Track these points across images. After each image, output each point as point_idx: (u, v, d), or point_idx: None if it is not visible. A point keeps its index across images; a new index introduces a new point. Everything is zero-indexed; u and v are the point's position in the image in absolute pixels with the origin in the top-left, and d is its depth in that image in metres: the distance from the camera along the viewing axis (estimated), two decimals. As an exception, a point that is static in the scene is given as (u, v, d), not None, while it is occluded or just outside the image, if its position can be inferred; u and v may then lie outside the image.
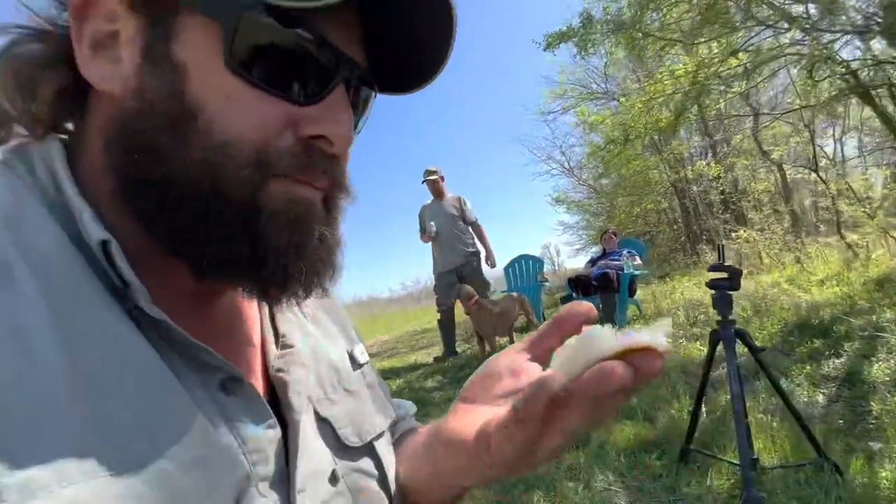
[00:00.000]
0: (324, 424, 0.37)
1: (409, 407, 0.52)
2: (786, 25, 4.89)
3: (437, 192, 4.56)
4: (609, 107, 10.86)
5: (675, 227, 12.56)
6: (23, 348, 0.22)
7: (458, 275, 4.50)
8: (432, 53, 0.34)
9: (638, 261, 5.33)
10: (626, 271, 4.93)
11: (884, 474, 1.58)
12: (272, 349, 0.37)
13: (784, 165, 8.53)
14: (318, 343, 0.41)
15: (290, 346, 0.38)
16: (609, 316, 4.83)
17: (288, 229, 0.29)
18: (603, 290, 4.95)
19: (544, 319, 3.99)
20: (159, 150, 0.27)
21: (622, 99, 7.71)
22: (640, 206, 11.91)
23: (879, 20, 4.23)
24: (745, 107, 8.81)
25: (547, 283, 6.09)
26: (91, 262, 0.26)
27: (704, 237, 10.38)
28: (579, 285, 5.24)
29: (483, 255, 4.66)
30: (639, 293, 5.78)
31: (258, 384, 0.35)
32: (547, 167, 15.61)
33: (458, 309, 4.32)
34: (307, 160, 0.29)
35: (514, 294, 4.36)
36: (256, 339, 0.37)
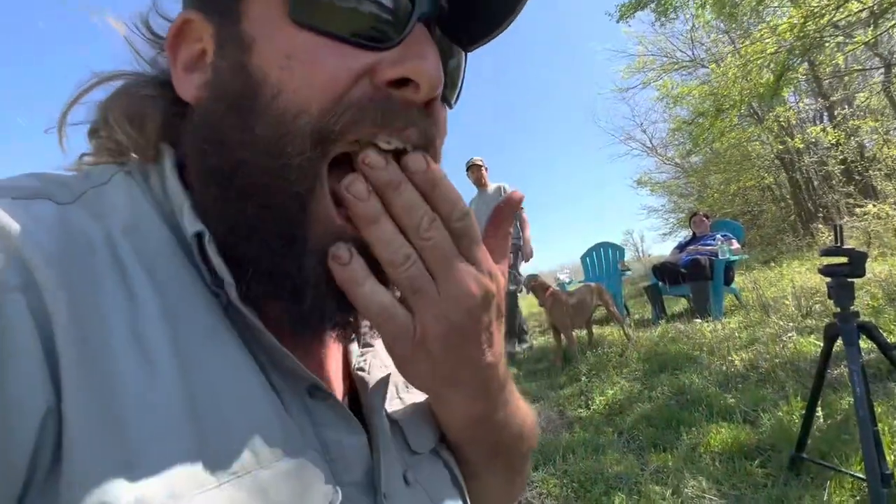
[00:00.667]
0: (394, 427, 0.37)
1: None
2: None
3: (480, 182, 4.42)
4: (697, 76, 9.80)
5: (781, 204, 11.03)
6: (143, 357, 0.23)
7: None
8: (501, 13, 0.31)
9: (735, 244, 4.78)
10: (720, 257, 4.45)
11: None
12: (354, 347, 0.38)
13: (928, 124, 7.06)
14: None
15: (371, 346, 0.38)
16: (701, 306, 4.40)
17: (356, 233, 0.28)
18: (693, 278, 4.52)
19: (626, 310, 3.76)
20: (223, 136, 0.27)
21: (713, 66, 6.91)
22: (737, 184, 10.63)
23: None
24: (872, 58, 7.43)
25: (628, 272, 5.71)
26: (192, 261, 0.28)
27: (821, 214, 9.00)
28: (666, 273, 4.84)
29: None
30: (738, 280, 5.19)
31: (339, 384, 0.35)
32: (627, 148, 14.58)
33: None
34: (386, 109, 0.26)
35: (592, 284, 4.14)
36: (339, 355, 0.38)
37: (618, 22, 5.44)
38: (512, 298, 4.25)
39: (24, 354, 0.21)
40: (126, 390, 0.22)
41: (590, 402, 2.73)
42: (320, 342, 0.36)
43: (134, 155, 0.32)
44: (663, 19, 5.17)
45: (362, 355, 0.37)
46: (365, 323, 0.37)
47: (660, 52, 10.51)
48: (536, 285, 3.67)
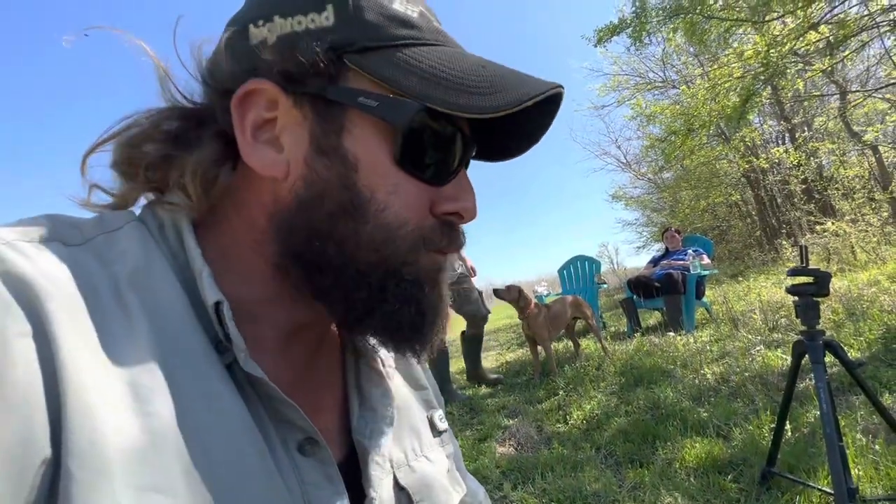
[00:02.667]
0: (402, 494, 0.36)
1: (478, 490, 0.48)
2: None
3: None
4: (669, 95, 10.20)
5: (748, 220, 11.51)
6: (142, 412, 0.24)
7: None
8: (530, 139, 0.37)
9: (706, 259, 4.95)
10: (692, 272, 4.59)
11: None
12: (355, 408, 0.38)
13: (880, 147, 7.53)
14: (402, 405, 0.41)
15: (374, 410, 0.38)
16: (674, 319, 4.52)
17: (436, 295, 0.34)
18: (667, 291, 4.64)
19: (603, 322, 3.82)
20: (336, 235, 0.31)
21: (684, 87, 7.19)
22: (706, 200, 11.05)
23: None
24: (828, 84, 7.89)
25: (604, 285, 5.82)
26: (199, 316, 0.29)
27: (784, 231, 9.43)
28: (641, 287, 4.95)
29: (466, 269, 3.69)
30: (708, 294, 5.35)
31: (335, 445, 0.35)
32: (603, 162, 14.99)
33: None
34: (451, 235, 0.34)
35: (569, 297, 4.18)
36: (339, 396, 0.38)
37: (595, 46, 5.61)
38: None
39: (28, 405, 0.22)
40: (123, 446, 0.23)
41: (568, 417, 2.74)
42: (319, 398, 0.36)
43: (148, 197, 0.34)
44: (638, 44, 5.35)
45: (363, 419, 0.37)
46: (369, 383, 0.39)
47: (633, 72, 10.91)
48: (521, 297, 3.67)
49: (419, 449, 0.40)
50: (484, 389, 3.70)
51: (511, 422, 2.83)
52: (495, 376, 3.89)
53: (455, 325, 3.82)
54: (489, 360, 5.04)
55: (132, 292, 0.27)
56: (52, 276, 0.25)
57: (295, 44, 0.30)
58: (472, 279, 3.73)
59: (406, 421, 0.40)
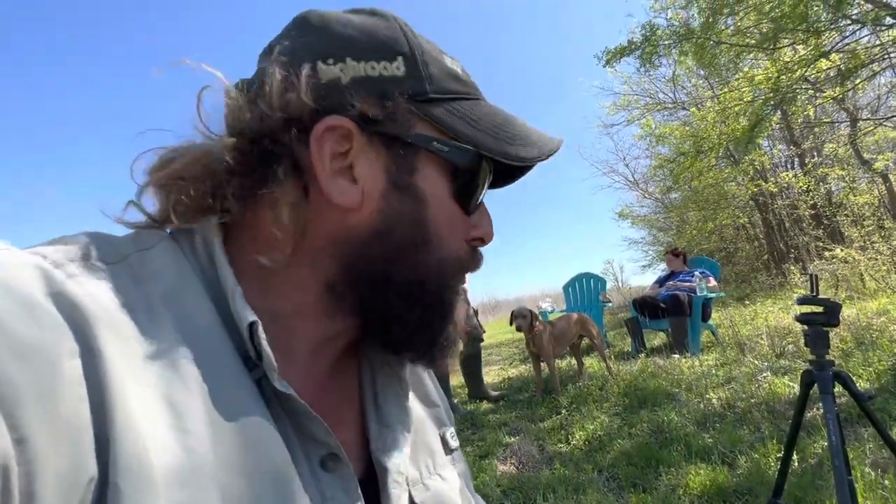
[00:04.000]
0: None
1: None
2: (889, 21, 4.36)
3: None
4: (678, 116, 10.25)
5: (755, 243, 11.45)
6: (179, 428, 0.25)
7: None
8: (519, 176, 0.44)
9: (713, 282, 4.92)
10: (698, 293, 4.56)
11: None
12: (373, 424, 0.39)
13: (890, 175, 7.51)
14: (416, 422, 0.42)
15: (390, 427, 0.38)
16: (680, 341, 4.48)
17: (457, 312, 0.38)
18: (673, 313, 4.61)
19: (607, 342, 3.81)
20: (404, 263, 0.34)
21: (693, 109, 7.24)
22: (714, 222, 11.02)
23: None
24: (839, 111, 7.91)
25: (609, 304, 5.79)
26: (230, 333, 0.30)
27: (792, 255, 9.36)
28: (646, 307, 4.92)
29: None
30: (714, 317, 5.31)
31: (354, 460, 0.35)
32: (610, 180, 15.01)
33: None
34: (476, 258, 0.40)
35: (574, 315, 4.16)
36: (356, 411, 0.39)
37: (604, 66, 5.68)
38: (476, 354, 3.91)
39: (78, 426, 0.23)
40: (165, 463, 0.24)
41: (570, 437, 2.71)
42: (340, 413, 0.37)
43: (179, 218, 0.33)
44: (647, 66, 5.41)
45: (381, 436, 0.38)
46: (387, 401, 0.40)
47: (643, 92, 10.99)
48: (532, 316, 3.64)
49: (433, 467, 0.41)
50: (486, 405, 3.67)
51: (512, 439, 2.80)
52: (497, 393, 3.86)
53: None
54: (491, 376, 5.00)
55: (166, 311, 0.28)
56: (97, 297, 0.26)
57: (375, 88, 0.33)
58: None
59: (421, 438, 0.41)
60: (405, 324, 0.35)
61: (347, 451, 0.33)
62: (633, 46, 5.54)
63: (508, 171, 0.41)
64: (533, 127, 0.40)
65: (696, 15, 5.53)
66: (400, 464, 0.36)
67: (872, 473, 1.82)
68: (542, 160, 0.38)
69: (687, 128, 7.34)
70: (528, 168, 0.42)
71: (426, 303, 0.35)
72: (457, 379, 4.43)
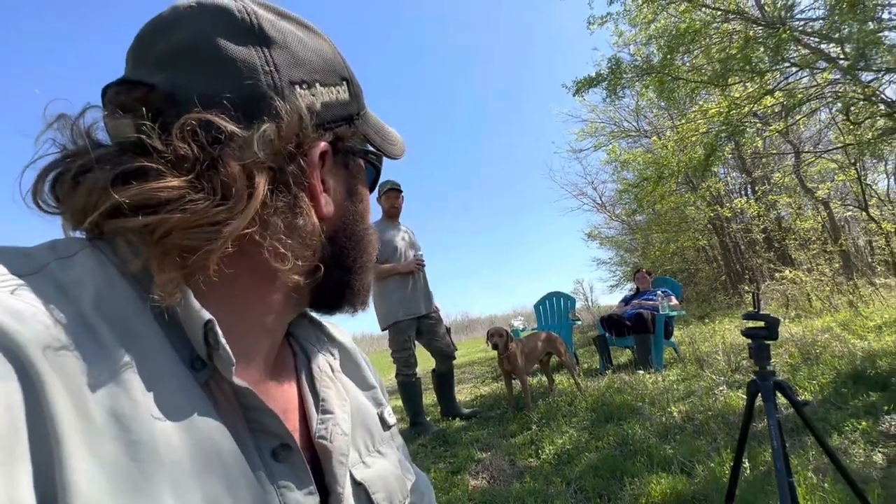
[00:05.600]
0: (358, 489, 0.39)
1: (425, 488, 0.51)
2: (823, 65, 4.84)
3: (396, 213, 3.67)
4: (642, 144, 10.83)
5: (714, 265, 12.07)
6: (126, 438, 0.25)
7: (418, 327, 3.58)
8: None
9: (674, 301, 5.16)
10: (661, 312, 4.78)
11: (953, 549, 1.44)
12: (313, 413, 0.40)
13: (831, 203, 8.15)
14: (354, 405, 0.44)
15: (331, 412, 0.40)
16: (644, 358, 4.66)
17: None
18: (637, 330, 4.81)
19: (576, 358, 3.89)
20: (357, 246, 0.42)
21: (655, 138, 7.69)
22: (676, 244, 11.57)
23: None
24: (785, 143, 8.58)
25: (579, 322, 5.96)
26: (170, 338, 0.30)
27: (747, 276, 9.92)
28: (612, 325, 5.10)
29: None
30: (676, 334, 5.55)
31: (301, 448, 0.37)
32: (579, 202, 15.55)
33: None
34: None
35: (542, 333, 4.28)
36: (297, 400, 0.41)
37: (573, 95, 6.01)
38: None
39: (13, 456, 0.22)
40: (114, 478, 0.24)
41: (540, 451, 2.77)
42: (284, 403, 0.39)
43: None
44: (613, 97, 5.76)
45: (322, 422, 0.39)
46: (325, 387, 0.42)
47: (609, 120, 11.58)
48: (507, 337, 3.72)
49: (372, 445, 0.43)
50: (458, 422, 3.69)
51: (484, 455, 2.84)
52: (469, 411, 3.88)
53: (427, 361, 3.82)
54: (463, 394, 5.02)
55: (99, 319, 0.27)
56: (18, 313, 0.25)
57: (339, 113, 0.39)
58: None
59: (359, 420, 0.44)
60: (354, 289, 0.42)
61: (295, 436, 0.35)
62: (599, 78, 5.90)
63: None
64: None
65: (655, 52, 5.96)
66: (342, 446, 0.38)
67: (814, 478, 1.97)
68: (402, 157, 0.48)
69: (649, 155, 7.78)
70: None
71: (368, 267, 0.43)
72: (429, 397, 4.44)
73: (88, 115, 0.33)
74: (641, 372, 4.25)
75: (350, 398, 0.44)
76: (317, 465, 0.37)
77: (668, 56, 5.41)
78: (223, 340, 0.30)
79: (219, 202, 0.31)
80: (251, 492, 0.29)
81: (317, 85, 0.37)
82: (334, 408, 0.40)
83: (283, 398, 0.39)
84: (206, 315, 0.30)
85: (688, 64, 5.90)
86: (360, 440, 0.42)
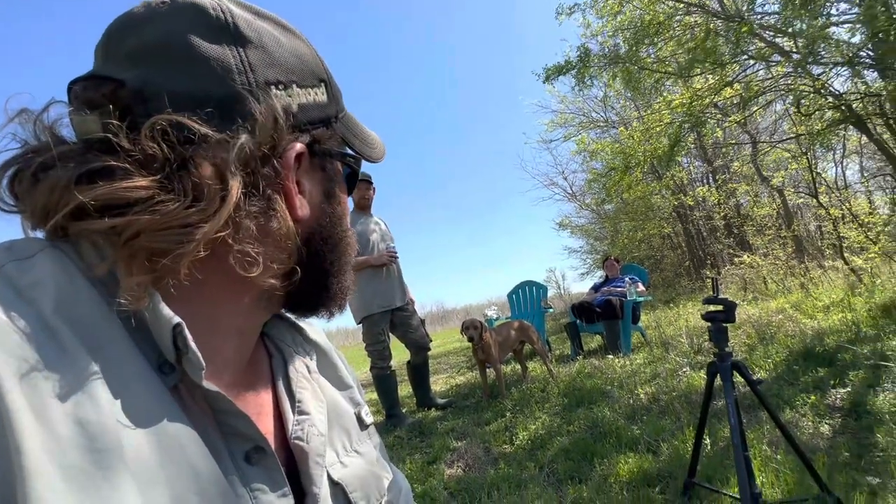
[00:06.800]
0: (336, 489, 0.39)
1: (400, 476, 0.51)
2: (777, 58, 5.05)
3: (367, 205, 3.61)
4: (610, 134, 11.07)
5: (678, 251, 12.55)
6: (89, 445, 0.24)
7: (392, 320, 3.58)
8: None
9: (641, 287, 5.34)
10: (629, 298, 4.94)
11: (888, 510, 1.56)
12: (289, 415, 0.39)
13: (784, 191, 8.59)
14: (331, 406, 0.44)
15: (307, 413, 0.40)
16: (613, 343, 4.82)
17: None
18: (606, 317, 4.96)
19: (549, 345, 3.98)
20: (335, 249, 0.41)
21: (622, 129, 7.88)
22: (643, 231, 11.95)
23: (870, 52, 4.37)
24: (742, 134, 8.95)
25: (551, 310, 6.09)
26: (137, 342, 0.29)
27: (709, 262, 10.36)
28: (583, 312, 5.24)
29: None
30: (643, 319, 5.76)
31: (276, 449, 0.36)
32: (550, 192, 15.78)
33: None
34: None
35: (514, 322, 4.36)
36: (272, 401, 0.40)
37: (543, 83, 6.06)
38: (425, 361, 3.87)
39: None
40: (79, 490, 0.23)
41: (514, 438, 2.83)
42: (258, 405, 0.39)
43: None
44: (581, 86, 5.85)
45: (299, 424, 0.39)
46: (301, 388, 0.42)
47: (578, 111, 11.76)
48: (482, 328, 3.75)
49: (349, 445, 0.43)
50: (434, 413, 3.72)
51: (460, 444, 2.88)
52: (445, 401, 3.92)
53: (402, 353, 3.82)
54: (439, 384, 5.06)
55: (62, 323, 0.26)
56: None
57: (317, 115, 0.38)
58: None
59: (336, 420, 0.43)
60: (331, 292, 0.41)
61: (269, 440, 0.34)
62: (569, 66, 5.97)
63: None
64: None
65: (622, 43, 6.07)
66: (318, 447, 0.38)
67: (768, 450, 2.09)
68: (381, 161, 0.47)
69: (617, 145, 7.95)
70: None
71: (345, 270, 0.42)
72: (405, 389, 4.45)
73: (53, 111, 0.31)
74: (611, 357, 4.39)
75: (327, 398, 0.43)
76: (293, 466, 0.37)
77: (634, 47, 5.52)
78: (192, 344, 0.29)
79: (190, 204, 0.30)
80: (223, 497, 0.29)
81: (293, 86, 0.36)
82: (310, 409, 0.40)
83: (257, 400, 0.39)
84: (175, 319, 0.29)
85: (653, 56, 6.04)
86: (338, 440, 0.42)
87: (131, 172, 0.29)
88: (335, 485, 0.39)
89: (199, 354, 0.30)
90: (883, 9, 3.50)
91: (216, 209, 0.30)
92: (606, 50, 6.40)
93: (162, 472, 0.26)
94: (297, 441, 0.38)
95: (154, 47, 0.32)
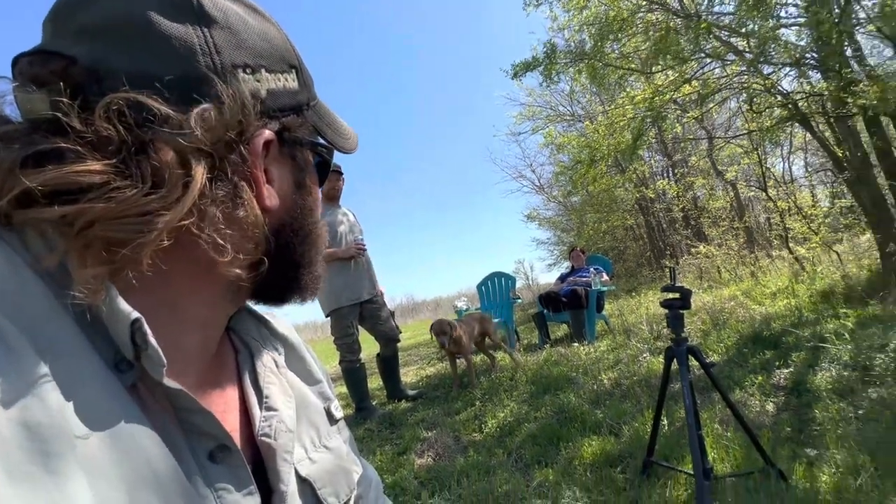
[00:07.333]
0: (304, 485, 0.38)
1: (371, 471, 0.51)
2: (732, 57, 5.28)
3: (336, 196, 3.55)
4: (576, 128, 11.31)
5: (640, 242, 13.03)
6: (40, 447, 0.23)
7: (361, 312, 3.52)
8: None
9: (605, 277, 5.52)
10: (593, 288, 5.10)
11: (823, 479, 1.70)
12: (256, 411, 0.38)
13: (737, 184, 9.06)
14: (300, 401, 0.43)
15: (275, 409, 0.39)
16: (578, 331, 4.97)
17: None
18: (572, 306, 5.10)
19: (517, 335, 4.04)
20: (305, 241, 0.40)
21: (587, 122, 8.06)
22: (607, 223, 12.33)
23: (815, 54, 4.65)
24: (700, 130, 9.35)
25: (519, 300, 6.20)
26: (91, 339, 0.28)
27: (668, 252, 10.83)
28: (550, 302, 5.37)
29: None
30: (607, 308, 5.96)
31: (242, 446, 0.36)
32: (518, 185, 15.98)
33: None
34: None
35: (477, 313, 4.45)
36: (238, 397, 0.39)
37: (512, 79, 6.10)
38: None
39: None
40: (30, 493, 0.22)
41: (483, 426, 2.89)
42: (224, 401, 0.38)
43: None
44: (548, 81, 5.92)
45: (266, 420, 0.38)
46: (268, 383, 0.40)
47: (546, 104, 11.92)
48: (451, 329, 3.76)
49: (318, 441, 0.42)
50: (404, 404, 3.73)
51: (430, 434, 2.90)
52: (415, 392, 3.93)
53: (372, 345, 3.81)
54: (409, 376, 5.08)
55: (6, 320, 0.24)
56: None
57: (287, 101, 0.37)
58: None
59: (305, 415, 0.42)
60: (302, 283, 0.41)
61: (235, 438, 0.33)
62: (536, 62, 6.03)
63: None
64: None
65: (588, 38, 6.18)
66: (286, 443, 0.37)
67: (720, 428, 2.23)
68: (354, 152, 0.46)
69: (583, 139, 8.13)
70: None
71: (316, 262, 0.41)
72: (375, 381, 4.43)
73: None
74: (576, 344, 4.53)
75: (295, 393, 0.43)
76: (261, 463, 0.36)
77: (599, 43, 5.64)
78: (152, 340, 0.28)
79: (149, 190, 0.28)
80: (185, 497, 0.28)
81: (262, 70, 0.34)
82: (278, 404, 0.39)
83: (222, 397, 0.37)
84: (134, 314, 0.27)
85: (617, 52, 6.18)
86: (306, 436, 0.41)
87: (83, 156, 0.27)
88: (303, 481, 0.38)
89: (160, 351, 0.28)
90: (827, 14, 3.73)
91: (179, 196, 0.29)
92: (573, 45, 6.51)
93: (118, 474, 0.25)
94: (264, 438, 0.37)
95: (110, 23, 0.30)
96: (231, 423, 0.36)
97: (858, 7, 4.27)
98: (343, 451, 0.45)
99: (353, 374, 3.51)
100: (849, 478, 1.67)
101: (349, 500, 0.43)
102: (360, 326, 3.60)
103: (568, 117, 11.77)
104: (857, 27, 4.27)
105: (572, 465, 2.17)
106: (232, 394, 0.38)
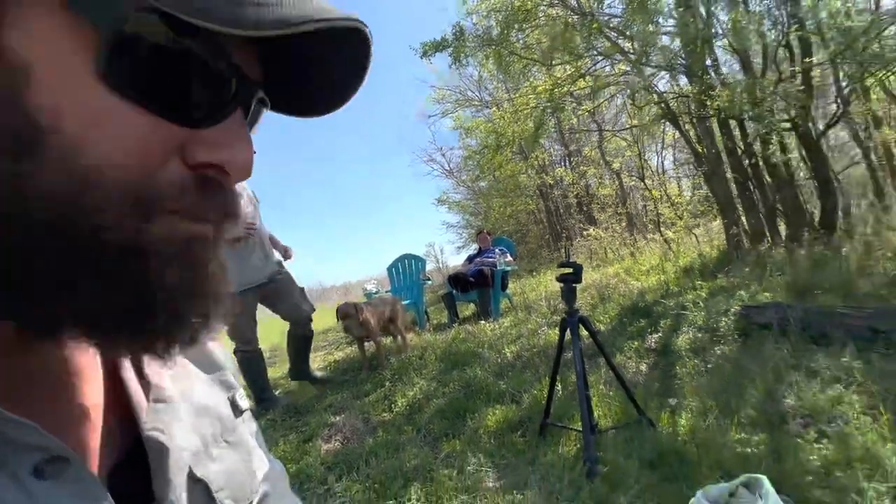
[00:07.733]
0: (197, 486, 0.32)
1: (279, 475, 0.44)
2: (619, 57, 5.82)
3: None
4: (484, 114, 11.64)
5: (541, 226, 14.01)
6: None
7: (262, 294, 3.33)
8: (341, 87, 0.31)
9: (509, 257, 5.83)
10: (498, 268, 5.36)
11: (682, 423, 2.01)
12: (144, 403, 0.32)
13: (621, 174, 10.15)
14: (197, 391, 0.37)
15: (163, 401, 0.33)
16: (485, 309, 5.22)
17: (181, 273, 0.24)
18: (479, 285, 5.32)
19: (427, 317, 4.08)
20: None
21: (494, 109, 8.33)
22: (512, 207, 13.01)
23: (683, 59, 5.33)
24: (592, 122, 10.23)
25: (429, 282, 6.30)
26: None
27: (564, 235, 11.80)
28: (458, 282, 5.53)
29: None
30: (510, 287, 6.33)
31: (110, 450, 0.30)
32: (429, 168, 16.07)
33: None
34: (200, 194, 0.25)
35: (387, 297, 4.45)
36: (111, 393, 0.32)
37: (421, 58, 6.02)
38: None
39: None
40: None
41: (393, 405, 2.90)
42: (70, 402, 0.29)
43: None
44: (457, 63, 5.97)
45: (153, 414, 0.32)
46: (155, 372, 0.34)
47: (455, 88, 12.05)
48: (358, 311, 3.67)
49: (220, 434, 0.37)
50: (311, 391, 3.59)
51: (337, 418, 2.83)
52: (323, 374, 3.80)
53: (271, 329, 3.58)
54: (317, 361, 4.89)
55: None
56: None
57: None
58: (290, 269, 3.52)
59: (203, 408, 0.36)
60: (30, 284, 0.22)
61: (91, 444, 0.28)
62: (445, 43, 6.02)
63: (314, 85, 0.31)
64: None
65: (495, 25, 6.33)
66: (177, 438, 0.32)
67: (604, 388, 2.51)
68: (310, 28, 0.23)
69: (489, 124, 8.40)
70: (348, 81, 0.30)
71: (56, 251, 0.22)
72: (279, 370, 4.19)
73: None
74: (483, 322, 4.75)
75: (192, 383, 0.36)
76: (142, 465, 0.30)
77: (505, 31, 5.81)
78: None
79: None
80: None
81: None
82: (168, 395, 0.33)
83: (72, 397, 0.29)
84: None
85: (521, 42, 6.44)
86: (207, 430, 0.35)
87: None
88: (197, 481, 0.32)
89: None
90: (693, 20, 4.27)
91: None
92: (481, 30, 6.62)
93: None
94: (151, 433, 0.31)
95: None
96: (90, 429, 0.29)
97: (717, 22, 4.97)
98: (249, 447, 0.39)
99: (249, 363, 3.26)
100: (700, 420, 1.99)
101: (251, 503, 0.36)
102: (268, 309, 3.37)
103: (476, 102, 12.07)
104: (715, 39, 4.98)
105: (477, 434, 2.28)
106: (92, 391, 0.31)
